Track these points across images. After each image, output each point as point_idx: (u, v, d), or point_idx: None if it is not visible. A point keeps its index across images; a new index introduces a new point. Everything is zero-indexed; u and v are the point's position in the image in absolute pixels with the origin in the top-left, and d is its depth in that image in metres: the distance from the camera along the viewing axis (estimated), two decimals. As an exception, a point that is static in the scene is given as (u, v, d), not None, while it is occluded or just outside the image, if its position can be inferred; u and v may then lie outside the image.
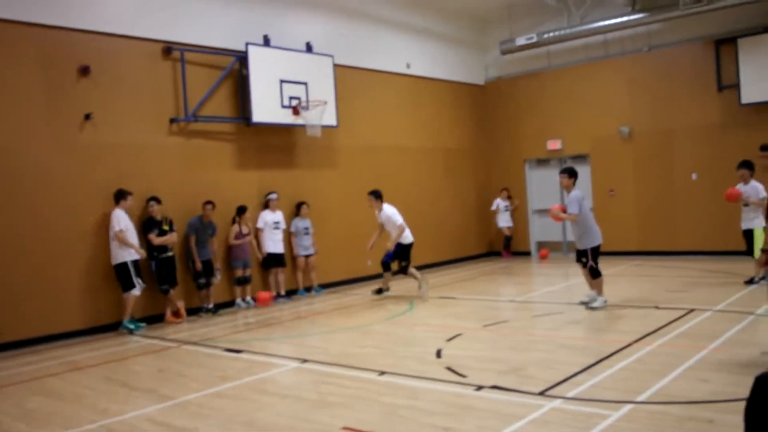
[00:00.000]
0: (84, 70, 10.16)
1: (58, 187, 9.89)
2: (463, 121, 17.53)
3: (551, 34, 15.90)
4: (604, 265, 9.91)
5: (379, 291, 11.99)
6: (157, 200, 10.64)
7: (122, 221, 10.05)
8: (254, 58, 12.00)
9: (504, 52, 16.88)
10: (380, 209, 11.79)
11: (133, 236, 10.20)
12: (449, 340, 7.99)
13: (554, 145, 17.15)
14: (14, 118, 9.50)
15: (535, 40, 16.09)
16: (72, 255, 9.98)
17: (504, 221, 17.50)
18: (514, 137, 17.82)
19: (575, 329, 8.39)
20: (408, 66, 15.80)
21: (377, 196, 11.84)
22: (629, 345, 7.10)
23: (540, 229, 17.87)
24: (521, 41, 16.32)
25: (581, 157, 16.76)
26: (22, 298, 9.35)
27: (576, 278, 11.79)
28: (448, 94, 17.04)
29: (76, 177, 10.08)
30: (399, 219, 11.60)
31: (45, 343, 9.52)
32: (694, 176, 15.03)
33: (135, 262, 10.14)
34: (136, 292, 10.13)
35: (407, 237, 11.73)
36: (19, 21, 9.54)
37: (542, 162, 17.70)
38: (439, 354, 7.30)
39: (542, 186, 17.55)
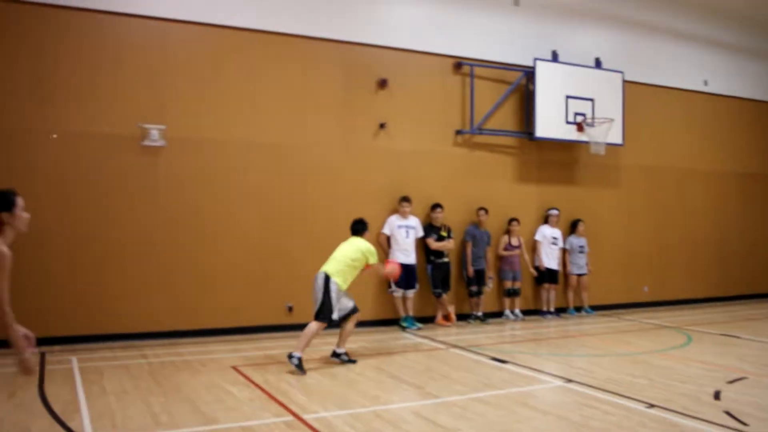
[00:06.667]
0: (382, 83, 11.01)
1: (343, 186, 10.80)
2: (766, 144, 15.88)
3: None
4: None
5: None
6: (441, 207, 11.18)
7: (387, 226, 10.88)
8: (542, 73, 12.08)
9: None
10: None
11: (400, 241, 10.79)
12: (731, 382, 7.33)
13: None
14: (314, 121, 10.63)
15: None
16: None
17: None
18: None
19: None
20: (706, 83, 14.71)
21: None
22: None
23: None
24: None
25: None
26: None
27: None
28: (749, 114, 15.51)
29: (362, 178, 10.96)
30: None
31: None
32: None
33: (406, 266, 10.58)
34: (395, 293, 10.83)
35: None
36: (327, 38, 10.68)
37: None
38: (717, 396, 6.73)
39: None
